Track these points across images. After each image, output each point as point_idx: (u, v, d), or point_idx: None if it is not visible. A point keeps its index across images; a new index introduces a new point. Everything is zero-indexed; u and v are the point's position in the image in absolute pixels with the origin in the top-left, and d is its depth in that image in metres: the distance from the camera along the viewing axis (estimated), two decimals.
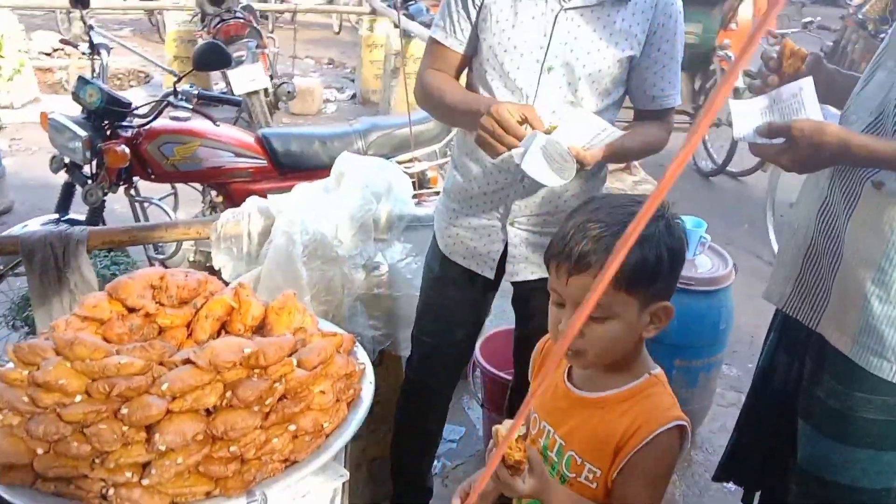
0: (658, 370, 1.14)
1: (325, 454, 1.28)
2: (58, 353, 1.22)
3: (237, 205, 2.86)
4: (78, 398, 1.18)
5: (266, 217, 1.90)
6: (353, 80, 8.66)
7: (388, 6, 8.08)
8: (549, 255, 1.10)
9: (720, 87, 0.33)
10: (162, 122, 2.69)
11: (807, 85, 1.20)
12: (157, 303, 1.48)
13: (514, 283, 1.73)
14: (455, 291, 1.77)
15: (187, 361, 1.25)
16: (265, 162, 2.86)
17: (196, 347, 1.28)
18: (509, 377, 2.13)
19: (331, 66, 9.67)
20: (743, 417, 1.60)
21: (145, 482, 1.13)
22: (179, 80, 2.70)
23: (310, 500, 1.29)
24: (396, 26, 7.40)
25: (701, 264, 2.42)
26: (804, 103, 1.18)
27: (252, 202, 1.94)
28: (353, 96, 8.24)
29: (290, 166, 2.88)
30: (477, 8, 1.56)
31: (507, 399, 2.06)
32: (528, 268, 1.69)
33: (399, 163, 2.87)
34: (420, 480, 1.97)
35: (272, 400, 1.23)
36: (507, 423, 1.08)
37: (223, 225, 1.90)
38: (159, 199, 2.94)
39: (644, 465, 1.07)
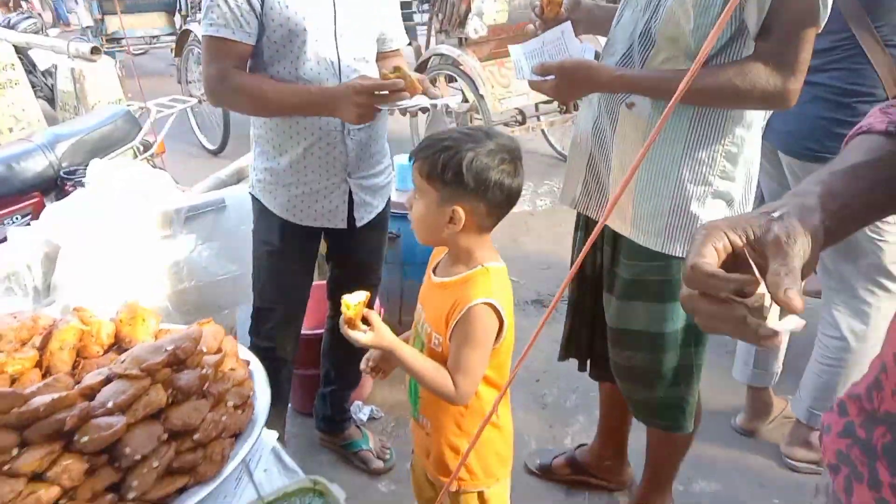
0: (493, 264, 1.45)
1: (260, 421, 1.39)
2: None
3: None
4: (14, 451, 1.12)
5: (45, 245, 1.79)
6: None
7: None
8: (412, 154, 1.42)
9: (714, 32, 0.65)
10: None
11: (566, 28, 1.57)
12: None
13: (338, 231, 1.95)
14: (295, 255, 1.94)
15: (107, 380, 1.24)
16: None
17: (112, 363, 1.28)
18: (315, 332, 2.33)
19: None
20: (570, 306, 1.98)
21: (131, 496, 1.14)
22: None
23: (263, 464, 1.39)
24: None
25: None
26: (566, 44, 1.56)
27: (19, 233, 1.80)
28: None
29: None
30: (259, 5, 1.68)
31: (322, 344, 2.27)
32: (367, 209, 1.95)
33: None
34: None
35: (208, 384, 1.30)
36: (356, 294, 1.36)
37: None
38: None
39: (462, 329, 1.40)
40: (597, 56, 1.64)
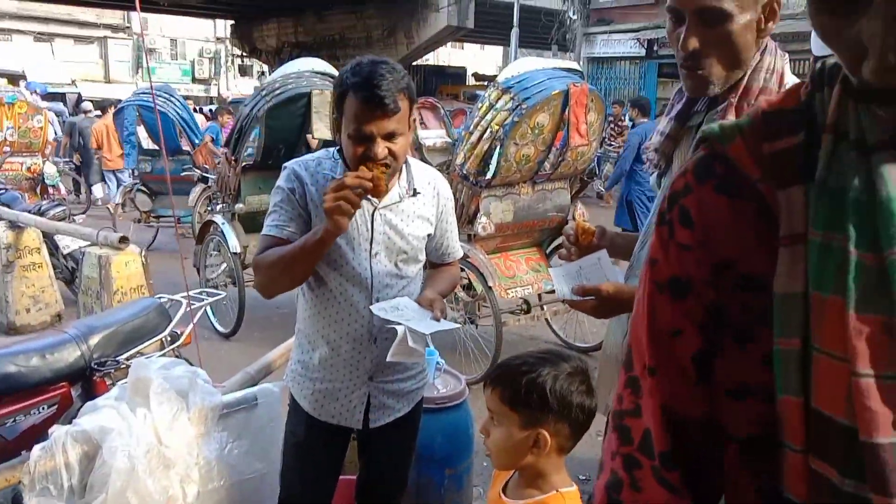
0: (568, 489, 1.49)
1: None
2: None
3: None
4: None
5: (84, 443, 1.85)
6: None
7: None
8: (488, 379, 1.53)
9: None
10: None
11: (603, 255, 1.75)
12: None
13: (367, 430, 2.01)
14: (320, 450, 2.01)
15: None
16: None
17: None
18: None
19: None
20: None
21: None
22: None
23: None
24: None
25: (441, 385, 2.93)
26: (603, 269, 1.74)
27: (61, 431, 1.86)
28: None
29: (6, 390, 2.62)
30: (307, 216, 1.90)
31: None
32: (386, 413, 2.01)
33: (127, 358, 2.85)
34: None
35: None
36: None
37: (37, 463, 1.79)
38: None
39: None
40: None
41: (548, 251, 5.52)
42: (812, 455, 0.61)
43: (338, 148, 1.96)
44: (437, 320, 1.86)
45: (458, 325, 4.83)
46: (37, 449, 1.83)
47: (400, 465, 2.16)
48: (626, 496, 0.76)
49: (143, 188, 9.45)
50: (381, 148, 1.79)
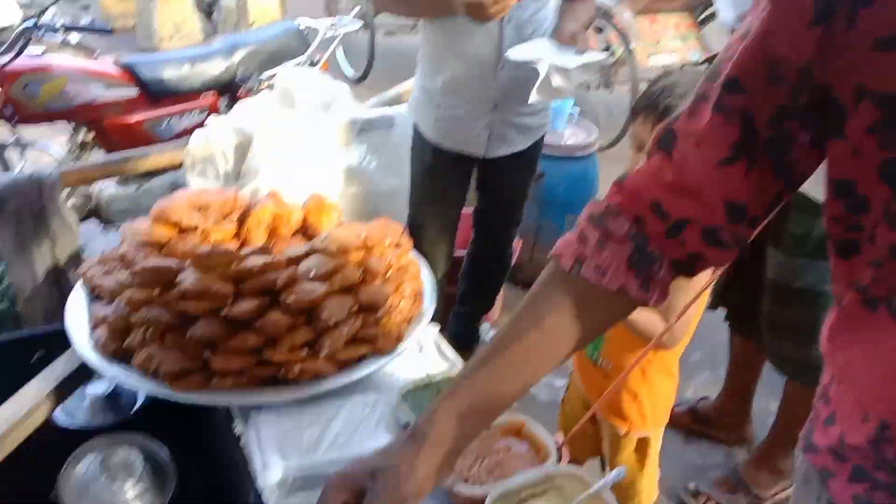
0: None
1: (428, 312, 1.50)
2: (197, 266, 1.28)
3: (110, 140, 2.75)
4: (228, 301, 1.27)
5: (238, 134, 1.95)
6: (87, 7, 7.82)
7: None
8: (638, 107, 1.42)
9: None
10: (22, 61, 2.45)
11: None
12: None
13: (486, 161, 2.02)
14: (445, 174, 2.06)
15: (308, 254, 1.38)
16: (136, 91, 2.74)
17: (314, 240, 1.41)
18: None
19: None
20: None
21: (323, 353, 1.27)
22: (43, 11, 2.47)
23: (427, 349, 1.51)
24: None
25: (572, 135, 2.88)
26: None
27: (218, 122, 1.97)
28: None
29: (162, 93, 2.79)
30: None
31: (462, 266, 2.38)
32: (506, 144, 2.00)
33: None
34: None
35: (391, 271, 1.43)
36: None
37: (196, 148, 1.92)
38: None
39: None
40: None
41: (699, 19, 5.06)
42: None
43: None
44: (581, 53, 1.77)
45: (605, 56, 4.61)
46: (197, 133, 1.95)
47: (515, 200, 2.19)
48: (680, 124, 0.75)
49: None
50: None
